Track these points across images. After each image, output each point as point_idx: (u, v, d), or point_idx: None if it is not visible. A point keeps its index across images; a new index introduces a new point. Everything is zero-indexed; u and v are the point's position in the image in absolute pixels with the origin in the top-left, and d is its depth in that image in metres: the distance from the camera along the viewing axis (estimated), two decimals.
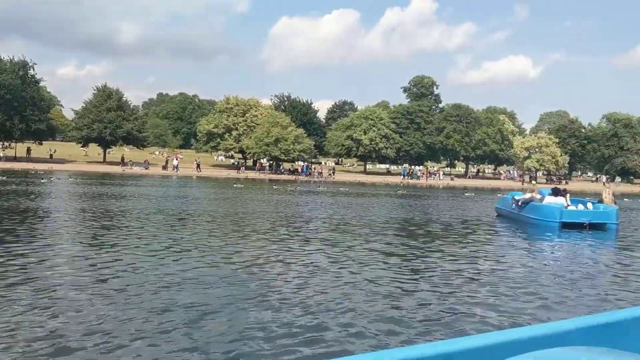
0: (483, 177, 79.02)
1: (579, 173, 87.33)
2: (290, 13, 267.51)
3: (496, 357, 1.67)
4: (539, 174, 71.60)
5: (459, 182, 62.52)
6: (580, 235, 13.90)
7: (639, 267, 9.81)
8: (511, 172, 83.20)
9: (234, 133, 66.57)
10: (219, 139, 67.56)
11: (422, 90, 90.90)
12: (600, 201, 16.53)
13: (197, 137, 73.12)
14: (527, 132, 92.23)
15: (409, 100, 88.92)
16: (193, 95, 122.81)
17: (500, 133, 77.30)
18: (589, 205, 15.97)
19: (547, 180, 71.87)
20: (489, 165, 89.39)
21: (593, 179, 76.76)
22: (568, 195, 16.23)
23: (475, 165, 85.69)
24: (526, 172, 72.33)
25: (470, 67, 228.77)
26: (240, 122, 67.30)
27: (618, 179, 75.49)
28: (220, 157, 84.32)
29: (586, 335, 1.97)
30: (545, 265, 9.94)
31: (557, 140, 73.46)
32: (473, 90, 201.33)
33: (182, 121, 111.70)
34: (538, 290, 7.41)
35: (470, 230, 14.50)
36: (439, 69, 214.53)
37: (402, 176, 65.51)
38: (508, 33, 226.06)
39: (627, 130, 78.38)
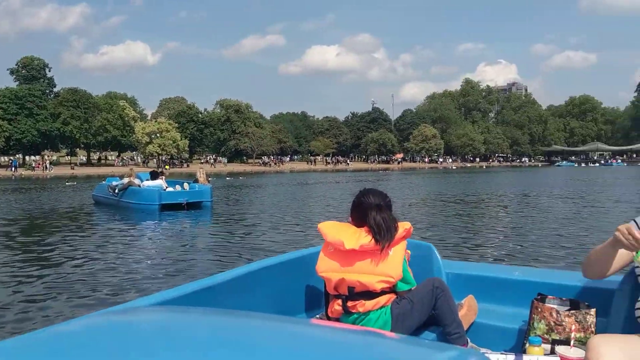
0: (106, 164, 76.59)
1: (205, 157, 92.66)
2: None
3: None
4: (162, 158, 73.22)
5: (79, 171, 59.17)
6: (179, 215, 14.31)
7: (227, 236, 10.62)
8: (135, 157, 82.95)
9: None
10: None
11: (32, 72, 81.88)
12: (196, 181, 17.37)
13: None
14: (149, 117, 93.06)
15: (17, 83, 79.10)
16: None
17: (121, 119, 76.04)
18: (186, 185, 16.62)
19: (170, 165, 74.23)
20: (113, 152, 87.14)
21: (211, 161, 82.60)
22: (164, 177, 16.51)
23: (97, 153, 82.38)
24: (150, 158, 73.20)
25: (87, 50, 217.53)
26: None
27: (224, 159, 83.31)
28: None
29: (188, 299, 2.06)
30: (146, 246, 9.88)
31: (177, 125, 76.31)
32: (92, 74, 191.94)
33: None
34: (136, 269, 7.32)
35: (64, 222, 13.29)
36: (52, 51, 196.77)
37: (12, 168, 58.42)
38: (125, 18, 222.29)
39: (238, 115, 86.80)
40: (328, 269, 2.48)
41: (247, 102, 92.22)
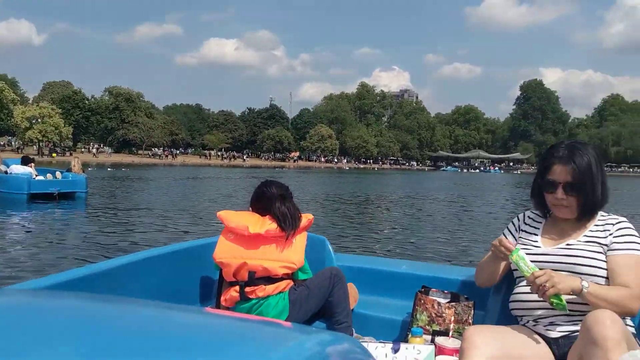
0: None
1: (92, 145, 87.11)
2: None
3: None
4: (43, 144, 68.21)
5: None
6: (50, 205, 13.25)
7: (103, 229, 9.92)
8: (13, 142, 76.58)
9: None
10: None
11: None
12: (69, 170, 16.21)
13: None
14: (31, 101, 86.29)
15: None
16: None
17: None
18: (58, 174, 15.36)
19: (51, 153, 69.32)
20: None
21: (93, 150, 77.48)
22: (33, 164, 15.19)
23: None
24: (29, 144, 67.99)
25: None
26: None
27: (109, 149, 78.91)
28: None
29: (64, 288, 1.94)
30: (11, 237, 9.04)
31: (60, 111, 71.39)
32: None
33: None
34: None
35: None
36: None
37: None
38: None
39: (128, 104, 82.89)
40: (228, 254, 2.47)
41: (138, 91, 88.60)
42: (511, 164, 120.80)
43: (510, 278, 2.20)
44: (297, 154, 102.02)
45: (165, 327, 0.80)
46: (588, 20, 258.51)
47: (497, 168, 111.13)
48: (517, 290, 2.08)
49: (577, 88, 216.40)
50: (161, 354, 0.63)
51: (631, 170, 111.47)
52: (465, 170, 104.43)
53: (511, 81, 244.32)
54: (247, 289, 2.45)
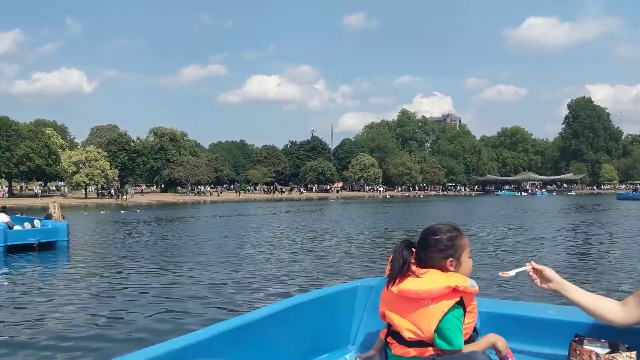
0: (27, 195, 72.31)
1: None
2: None
3: None
4: (91, 188, 70.01)
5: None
6: (30, 257, 12.45)
7: (89, 282, 9.27)
8: (62, 187, 79.06)
9: None
10: None
11: None
12: (49, 217, 15.22)
13: None
14: (80, 146, 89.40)
15: None
16: None
17: (47, 147, 72.36)
18: (37, 222, 14.56)
19: (98, 195, 70.96)
20: (38, 182, 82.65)
21: (130, 192, 77.77)
22: (4, 213, 14.33)
23: (20, 183, 77.90)
24: (76, 188, 69.93)
25: (18, 76, 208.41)
26: None
27: (132, 190, 77.58)
28: None
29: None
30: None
31: (106, 153, 73.34)
32: (22, 101, 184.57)
33: None
34: None
35: None
36: None
37: None
38: (60, 45, 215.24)
39: (172, 144, 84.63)
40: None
41: (182, 130, 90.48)
42: (564, 185, 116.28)
43: None
44: (341, 184, 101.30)
45: None
46: (633, 34, 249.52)
47: (543, 190, 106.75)
48: None
49: (628, 103, 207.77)
50: None
51: None
52: (519, 194, 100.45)
53: (556, 101, 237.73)
54: (389, 339, 2.26)
